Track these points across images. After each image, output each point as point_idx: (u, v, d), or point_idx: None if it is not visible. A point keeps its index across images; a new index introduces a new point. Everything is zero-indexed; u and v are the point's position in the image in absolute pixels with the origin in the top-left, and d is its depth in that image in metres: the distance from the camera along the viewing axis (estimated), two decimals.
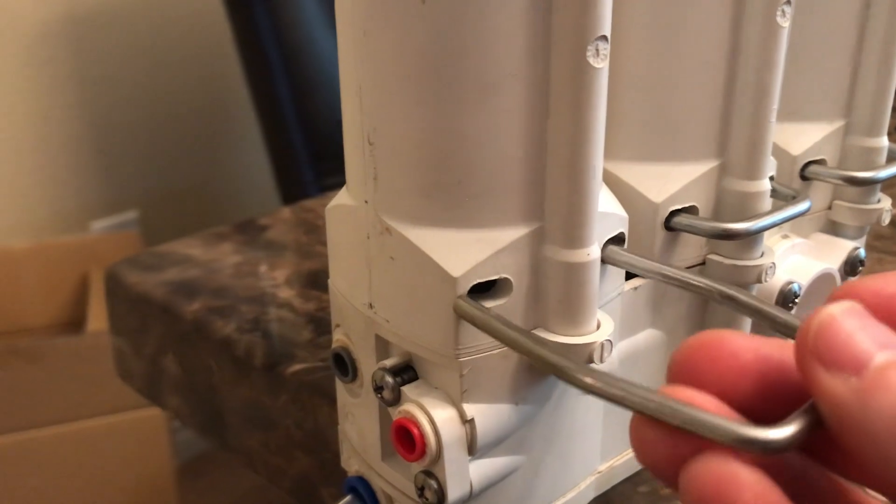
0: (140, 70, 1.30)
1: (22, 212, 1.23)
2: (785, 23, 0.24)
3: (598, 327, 0.23)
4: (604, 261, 0.23)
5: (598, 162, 0.21)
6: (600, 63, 0.19)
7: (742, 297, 0.21)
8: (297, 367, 0.36)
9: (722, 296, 0.22)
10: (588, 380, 0.18)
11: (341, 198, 0.24)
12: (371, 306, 0.24)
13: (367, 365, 0.25)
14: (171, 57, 1.32)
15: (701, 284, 0.22)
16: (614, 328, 0.22)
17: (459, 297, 0.21)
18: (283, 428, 0.37)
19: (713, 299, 0.22)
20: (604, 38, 0.19)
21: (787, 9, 0.24)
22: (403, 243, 0.22)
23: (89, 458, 1.00)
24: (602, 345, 0.22)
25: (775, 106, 0.25)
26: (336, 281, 0.25)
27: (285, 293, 0.41)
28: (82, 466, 1.00)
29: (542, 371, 0.22)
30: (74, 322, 1.15)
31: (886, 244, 0.45)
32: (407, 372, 0.23)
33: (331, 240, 0.25)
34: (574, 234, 0.21)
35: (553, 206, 0.21)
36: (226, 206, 1.45)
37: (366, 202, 0.23)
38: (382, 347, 0.24)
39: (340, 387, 0.27)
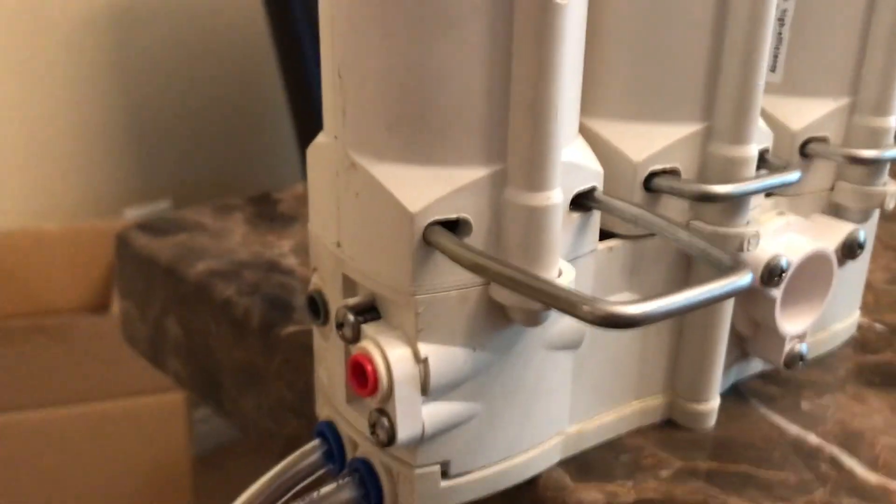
0: (177, 61, 1.33)
1: (57, 196, 1.26)
2: None
3: (560, 276, 0.22)
4: (578, 206, 0.23)
5: (560, 103, 0.20)
6: (564, 0, 0.19)
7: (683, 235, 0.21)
8: (292, 328, 0.36)
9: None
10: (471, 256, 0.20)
11: (319, 137, 0.24)
12: (339, 245, 0.24)
13: (336, 306, 0.25)
14: (207, 49, 1.35)
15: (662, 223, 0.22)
16: (574, 278, 0.22)
17: (429, 227, 0.21)
18: (276, 390, 0.37)
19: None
20: None
21: None
22: (367, 178, 0.22)
23: (108, 439, 1.02)
24: None
25: (764, 69, 0.25)
26: (313, 222, 0.26)
27: (290, 261, 0.42)
28: (100, 446, 1.02)
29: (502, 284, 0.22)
30: (103, 305, 1.18)
31: None
32: (370, 312, 0.23)
33: (309, 180, 0.25)
34: (535, 176, 0.21)
35: (515, 147, 0.21)
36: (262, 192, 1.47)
37: (336, 138, 0.23)
38: (349, 287, 0.24)
39: (316, 332, 0.27)
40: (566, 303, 0.18)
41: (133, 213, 1.36)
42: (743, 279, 0.19)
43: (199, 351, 0.41)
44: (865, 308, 0.37)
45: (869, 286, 0.39)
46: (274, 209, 0.48)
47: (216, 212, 0.47)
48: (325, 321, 0.26)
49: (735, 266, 0.19)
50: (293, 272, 0.41)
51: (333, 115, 0.23)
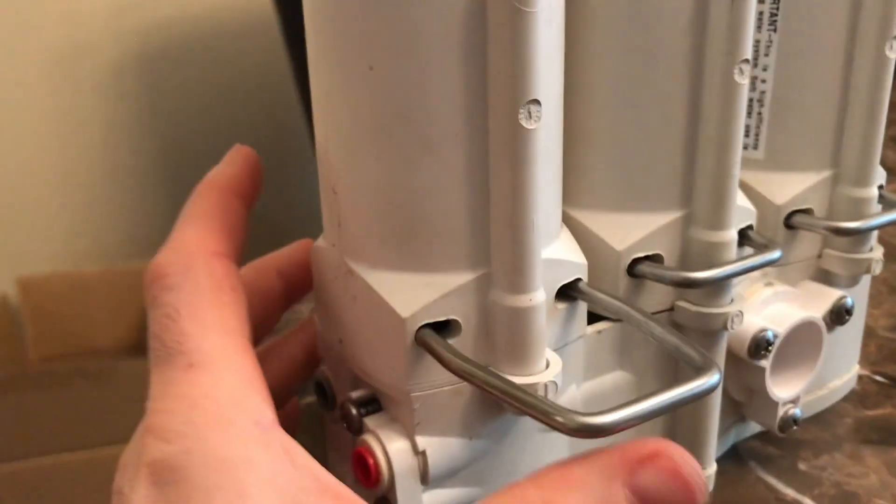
0: (208, 102, 1.37)
1: (94, 238, 1.30)
2: (743, 80, 0.25)
3: (548, 367, 0.24)
4: (564, 296, 0.25)
5: (536, 215, 0.22)
6: (533, 125, 0.21)
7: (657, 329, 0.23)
8: (309, 398, 0.38)
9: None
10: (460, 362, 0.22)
11: (320, 240, 0.26)
12: (341, 341, 0.25)
13: (342, 396, 0.26)
14: (238, 89, 1.39)
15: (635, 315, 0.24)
16: (560, 369, 0.24)
17: (421, 329, 0.23)
18: None
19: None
20: (535, 101, 0.21)
21: (745, 67, 0.25)
22: (363, 285, 0.23)
23: None
24: (546, 385, 0.23)
25: (738, 160, 0.26)
26: (318, 318, 0.27)
27: None
28: None
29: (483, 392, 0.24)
30: (142, 346, 1.21)
31: None
32: (372, 404, 0.25)
33: (314, 279, 0.27)
34: (517, 281, 0.22)
35: (497, 254, 0.23)
36: (290, 234, 1.50)
37: (333, 245, 0.25)
38: (353, 380, 0.26)
39: (327, 415, 0.29)
40: (541, 413, 0.20)
41: None
42: (711, 380, 0.20)
43: None
44: (867, 359, 0.38)
45: (872, 334, 0.40)
46: None
47: None
48: (333, 407, 0.28)
49: (704, 366, 0.21)
50: None
51: (330, 225, 0.24)
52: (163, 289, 0.22)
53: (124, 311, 1.23)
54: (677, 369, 0.29)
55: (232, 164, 0.27)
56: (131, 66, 1.31)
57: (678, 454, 0.18)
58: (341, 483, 0.20)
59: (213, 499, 0.18)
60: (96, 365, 1.17)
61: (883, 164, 0.33)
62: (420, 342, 0.23)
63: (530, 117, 0.21)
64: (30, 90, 1.25)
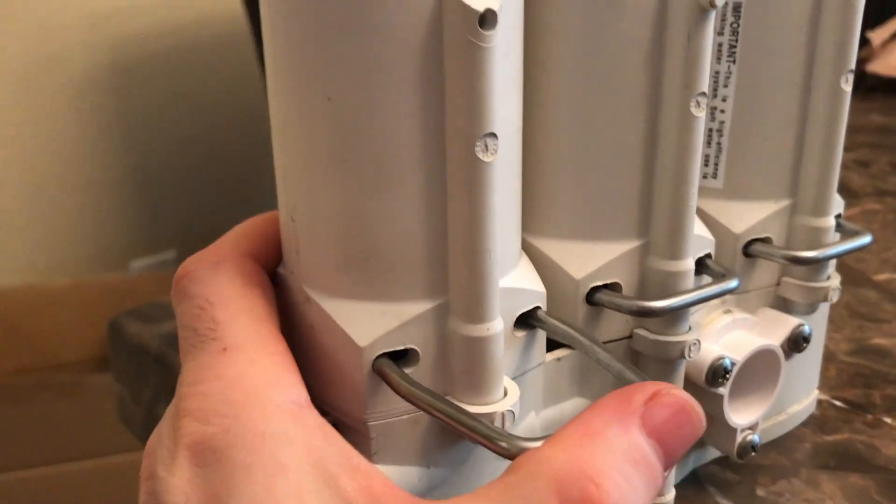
0: (179, 115, 1.37)
1: (64, 250, 1.29)
2: (700, 113, 0.26)
3: (505, 396, 0.24)
4: (523, 324, 0.25)
5: (493, 245, 0.22)
6: (489, 157, 0.21)
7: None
8: None
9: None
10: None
11: (280, 268, 0.26)
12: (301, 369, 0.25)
13: None
14: (209, 102, 1.39)
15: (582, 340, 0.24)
16: (517, 399, 0.24)
17: (378, 358, 0.23)
18: None
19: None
20: (492, 135, 0.21)
21: (702, 100, 0.26)
22: (320, 313, 0.23)
23: (120, 493, 1.04)
24: (503, 414, 0.23)
25: (694, 191, 0.26)
26: None
27: None
28: (110, 501, 1.04)
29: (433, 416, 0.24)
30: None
31: (872, 310, 0.45)
32: None
33: (278, 305, 0.27)
34: (474, 310, 0.23)
35: (454, 283, 0.23)
36: None
37: (292, 273, 0.25)
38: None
39: None
40: (485, 438, 0.20)
41: (139, 265, 1.39)
42: None
43: None
44: (827, 383, 0.38)
45: (832, 358, 0.41)
46: None
47: None
48: None
49: None
50: None
51: (289, 253, 0.24)
52: (191, 281, 0.23)
53: (92, 324, 1.22)
54: None
55: None
56: (102, 79, 1.30)
57: (675, 389, 0.19)
58: (371, 464, 0.21)
59: (252, 474, 0.19)
60: (64, 378, 1.16)
61: (848, 187, 0.34)
62: (377, 371, 0.23)
63: (487, 150, 0.21)
64: (0, 102, 1.24)
